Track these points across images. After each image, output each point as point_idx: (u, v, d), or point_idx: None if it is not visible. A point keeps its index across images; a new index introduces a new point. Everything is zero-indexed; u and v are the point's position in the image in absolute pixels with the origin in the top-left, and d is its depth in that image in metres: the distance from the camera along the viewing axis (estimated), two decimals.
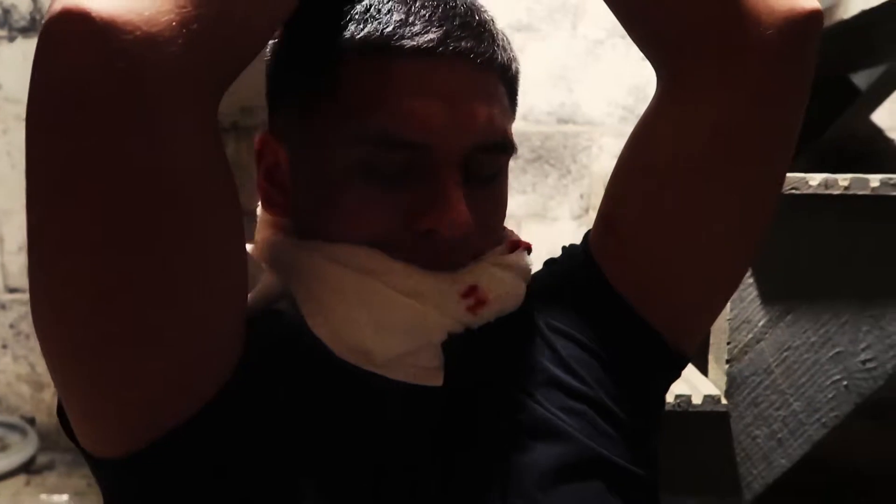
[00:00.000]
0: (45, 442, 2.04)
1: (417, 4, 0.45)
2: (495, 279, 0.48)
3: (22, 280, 2.05)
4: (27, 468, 1.93)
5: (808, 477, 1.25)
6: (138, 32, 0.33)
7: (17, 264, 2.04)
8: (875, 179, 0.80)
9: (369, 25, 0.45)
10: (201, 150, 0.38)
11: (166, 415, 0.41)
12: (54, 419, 2.10)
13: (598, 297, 0.53)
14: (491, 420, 0.49)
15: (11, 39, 1.98)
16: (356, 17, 0.45)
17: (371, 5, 0.46)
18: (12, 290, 2.05)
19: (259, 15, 0.39)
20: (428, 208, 0.44)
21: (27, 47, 1.98)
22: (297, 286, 0.47)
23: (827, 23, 1.01)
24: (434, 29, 0.44)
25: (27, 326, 2.06)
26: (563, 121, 1.84)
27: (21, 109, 2.11)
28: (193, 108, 0.36)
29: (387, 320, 0.44)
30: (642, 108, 0.52)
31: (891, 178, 0.80)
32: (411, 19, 0.44)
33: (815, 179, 0.81)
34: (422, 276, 0.45)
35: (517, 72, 0.51)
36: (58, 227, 0.37)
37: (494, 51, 0.46)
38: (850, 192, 0.81)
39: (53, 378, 0.41)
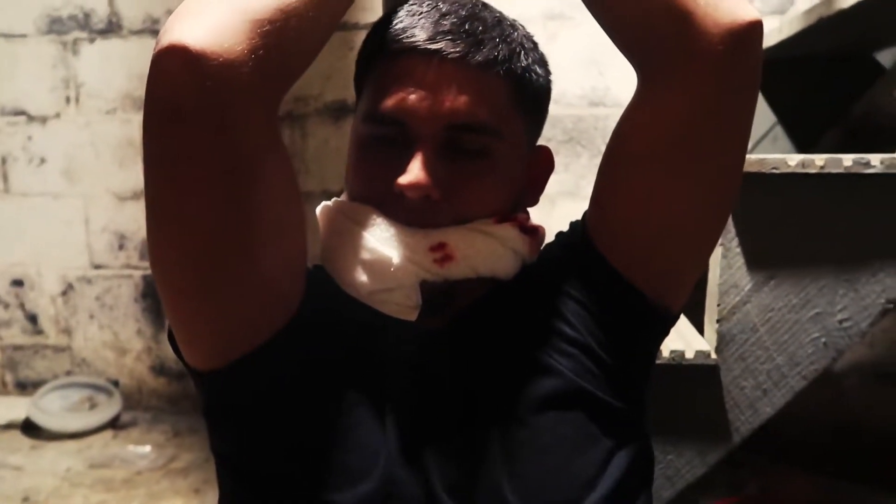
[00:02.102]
0: (129, 402, 2.27)
1: (422, 16, 0.58)
2: (467, 241, 0.58)
3: (105, 258, 2.27)
4: (113, 424, 2.16)
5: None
6: (221, 59, 0.46)
7: (101, 243, 2.25)
8: (848, 159, 0.89)
9: (388, 34, 0.59)
10: (268, 137, 0.51)
11: (246, 340, 0.55)
12: (136, 382, 2.34)
13: (592, 264, 0.63)
14: (493, 356, 0.61)
15: (91, 41, 2.18)
16: (385, 28, 0.60)
17: (395, 19, 0.59)
18: (97, 267, 2.28)
19: (308, 40, 0.53)
20: (401, 173, 0.56)
21: (106, 47, 2.17)
22: (323, 235, 0.61)
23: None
24: (422, 33, 0.57)
25: (111, 299, 2.28)
26: (594, 104, 1.94)
27: (101, 104, 2.31)
28: (260, 109, 0.50)
29: (364, 262, 0.57)
30: None
31: (862, 158, 0.89)
32: (412, 26, 0.58)
33: (793, 160, 0.90)
34: (399, 229, 0.57)
35: (521, 68, 0.61)
36: (167, 202, 0.50)
37: (471, 51, 0.57)
38: (826, 170, 0.90)
39: (166, 310, 0.55)
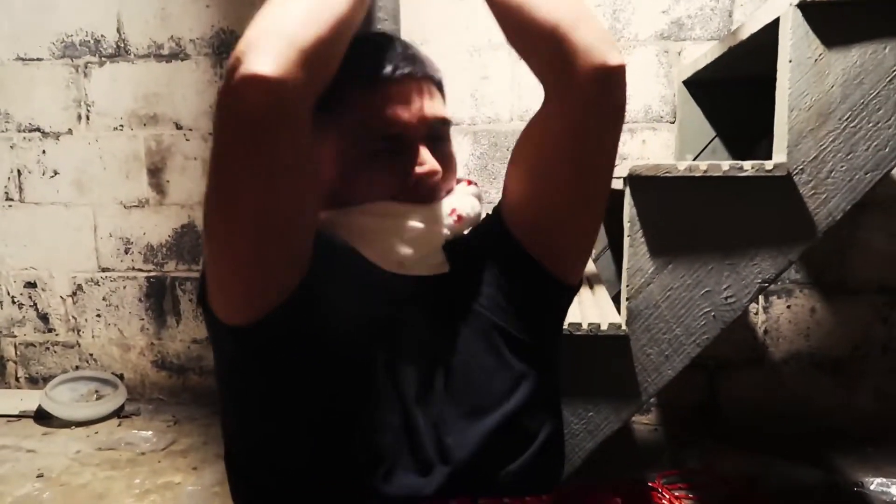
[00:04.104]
0: (132, 394, 2.45)
1: (381, 53, 0.78)
2: (465, 202, 0.80)
3: (112, 261, 2.46)
4: (118, 414, 2.34)
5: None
6: (288, 85, 0.60)
7: (108, 248, 2.45)
8: (725, 164, 1.10)
9: (358, 69, 0.76)
10: (310, 134, 0.67)
11: (273, 293, 0.68)
12: (139, 376, 2.55)
13: (504, 241, 0.83)
14: (444, 302, 0.80)
15: (101, 64, 2.39)
16: (350, 64, 0.73)
17: (358, 55, 0.75)
18: (104, 270, 2.47)
19: (334, 63, 0.68)
20: (414, 167, 0.76)
21: (114, 70, 2.39)
22: (347, 236, 0.77)
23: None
24: (390, 65, 0.77)
25: (117, 299, 2.47)
26: None
27: (109, 121, 2.55)
28: (308, 115, 0.65)
29: (408, 239, 0.75)
30: None
31: (736, 164, 1.10)
32: (378, 62, 0.77)
33: (682, 165, 1.11)
34: (424, 208, 0.77)
35: (441, 76, 0.83)
36: (236, 188, 0.63)
37: (426, 70, 0.79)
38: (708, 174, 1.11)
39: (211, 270, 0.69)
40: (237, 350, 0.73)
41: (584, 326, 1.16)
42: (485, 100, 2.21)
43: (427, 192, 0.77)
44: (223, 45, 2.30)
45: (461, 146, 2.23)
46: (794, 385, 2.14)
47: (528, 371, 0.80)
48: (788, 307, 2.12)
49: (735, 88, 1.91)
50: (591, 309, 1.30)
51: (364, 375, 0.74)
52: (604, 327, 1.16)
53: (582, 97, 0.73)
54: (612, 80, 0.72)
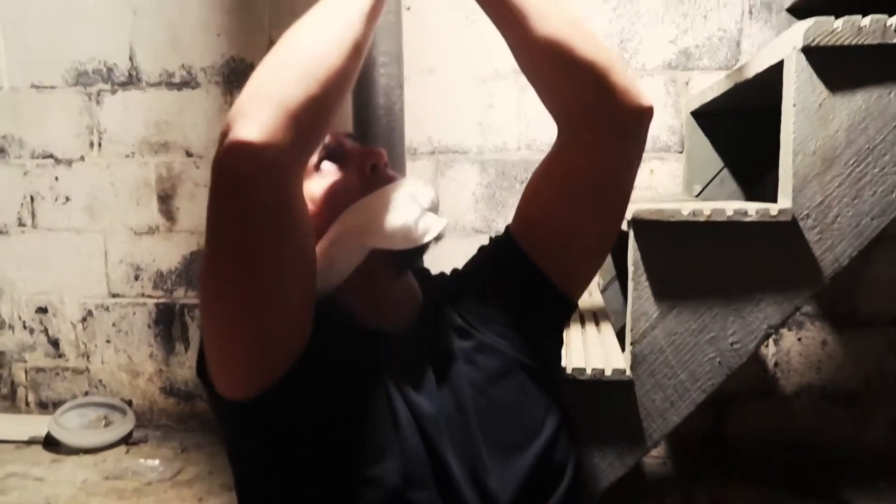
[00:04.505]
0: (140, 420, 2.46)
1: None
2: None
3: (122, 287, 2.48)
4: (126, 440, 2.34)
5: None
6: (275, 149, 0.60)
7: (118, 273, 2.46)
8: (730, 209, 1.09)
9: None
10: (300, 190, 0.68)
11: (274, 367, 0.66)
12: (148, 402, 2.54)
13: (516, 262, 0.83)
14: (454, 345, 0.80)
15: (113, 92, 2.42)
16: None
17: None
18: (115, 296, 2.49)
19: (326, 126, 0.69)
20: (364, 159, 0.78)
21: (126, 98, 2.41)
22: (361, 237, 0.75)
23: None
24: None
25: (126, 325, 2.49)
26: None
27: (121, 148, 2.56)
28: (297, 174, 0.65)
29: (414, 202, 0.76)
30: None
31: (741, 208, 1.09)
32: None
33: (686, 210, 1.10)
34: (390, 187, 0.77)
35: None
36: (230, 247, 0.63)
37: None
38: (712, 219, 1.10)
39: (208, 344, 0.68)
40: (235, 423, 0.72)
41: (588, 372, 1.15)
42: (491, 129, 2.21)
43: (385, 176, 0.79)
44: (234, 73, 2.32)
45: (468, 175, 2.23)
46: (806, 418, 2.11)
47: (552, 403, 0.80)
48: (799, 339, 2.10)
49: (743, 119, 1.90)
50: (595, 348, 1.29)
51: (387, 434, 0.72)
52: (608, 372, 1.15)
53: (618, 132, 0.76)
54: (646, 120, 0.76)
